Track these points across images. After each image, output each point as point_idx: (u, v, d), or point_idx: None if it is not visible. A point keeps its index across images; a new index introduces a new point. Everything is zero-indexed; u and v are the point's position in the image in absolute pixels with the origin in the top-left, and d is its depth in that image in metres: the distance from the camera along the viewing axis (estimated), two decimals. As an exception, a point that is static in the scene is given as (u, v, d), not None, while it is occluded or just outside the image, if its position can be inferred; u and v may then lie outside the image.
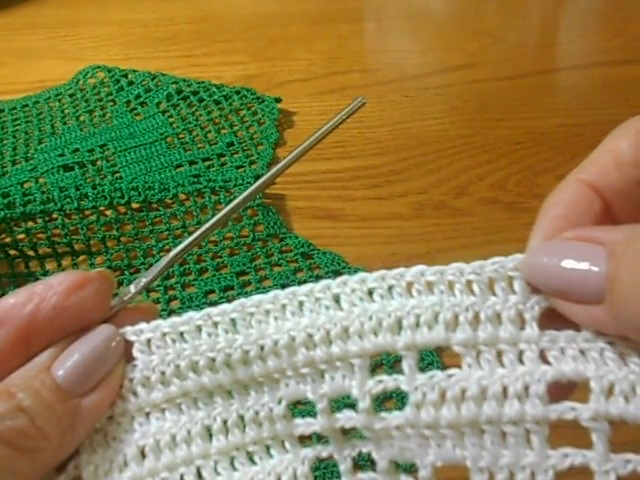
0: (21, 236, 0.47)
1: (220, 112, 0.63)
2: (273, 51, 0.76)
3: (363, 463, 0.29)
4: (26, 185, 0.55)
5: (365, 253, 0.47)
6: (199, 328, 0.21)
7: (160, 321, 0.22)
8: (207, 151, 0.58)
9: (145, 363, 0.21)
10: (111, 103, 0.66)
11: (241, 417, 0.21)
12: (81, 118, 0.65)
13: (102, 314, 0.22)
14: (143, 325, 0.22)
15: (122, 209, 0.49)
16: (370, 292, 0.21)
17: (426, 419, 0.20)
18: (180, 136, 0.60)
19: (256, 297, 0.21)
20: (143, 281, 0.23)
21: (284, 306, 0.21)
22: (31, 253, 0.47)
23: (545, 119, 0.61)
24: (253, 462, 0.21)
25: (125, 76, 0.69)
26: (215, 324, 0.21)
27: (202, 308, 0.21)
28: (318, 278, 0.44)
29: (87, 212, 0.48)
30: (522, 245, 0.21)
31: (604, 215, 0.21)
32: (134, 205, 0.49)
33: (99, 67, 0.70)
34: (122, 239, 0.48)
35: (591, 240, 0.19)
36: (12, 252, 0.47)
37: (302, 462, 0.21)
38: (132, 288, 0.23)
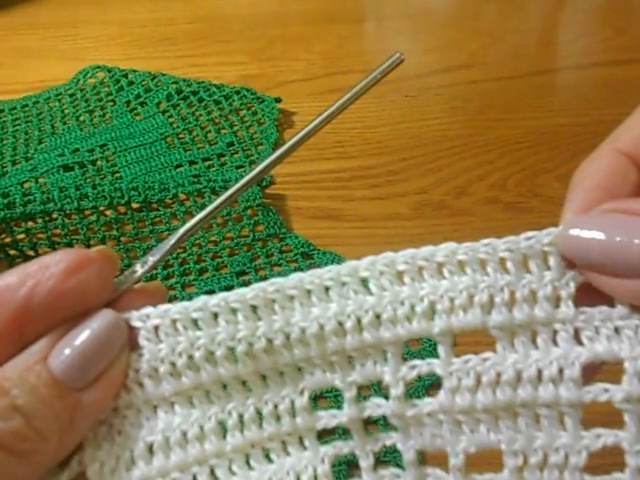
0: (21, 236, 0.47)
1: (220, 112, 0.63)
2: (273, 51, 0.76)
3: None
4: (26, 185, 0.55)
5: (365, 253, 0.46)
6: (215, 315, 0.19)
7: (169, 306, 0.20)
8: (207, 151, 0.58)
9: (152, 353, 0.19)
10: (111, 103, 0.66)
11: (258, 411, 0.20)
12: (81, 118, 0.65)
13: (104, 297, 0.20)
14: (150, 309, 0.20)
15: (122, 209, 0.49)
16: (399, 274, 0.20)
17: (461, 404, 0.19)
18: (180, 136, 0.60)
19: (278, 281, 0.20)
20: (150, 260, 0.21)
21: (309, 292, 0.20)
22: (31, 253, 0.47)
23: (545, 119, 0.61)
24: (270, 460, 0.20)
25: (125, 76, 0.69)
26: (233, 310, 0.19)
27: None
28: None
29: (87, 212, 0.48)
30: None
31: None
32: (134, 205, 0.49)
33: (99, 67, 0.70)
34: (122, 239, 0.48)
35: (631, 212, 0.18)
36: (12, 252, 0.47)
37: (322, 460, 0.20)
38: (138, 268, 0.21)
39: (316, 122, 0.23)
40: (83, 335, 0.19)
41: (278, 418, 0.20)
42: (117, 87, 0.68)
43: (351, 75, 0.70)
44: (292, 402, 0.20)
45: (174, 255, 0.47)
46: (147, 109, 0.64)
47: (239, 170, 0.56)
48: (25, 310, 0.18)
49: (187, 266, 0.47)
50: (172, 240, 0.22)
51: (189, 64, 0.74)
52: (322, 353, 0.20)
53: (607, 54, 0.72)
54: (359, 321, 0.20)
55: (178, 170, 0.56)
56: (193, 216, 0.52)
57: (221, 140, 0.59)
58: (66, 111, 0.66)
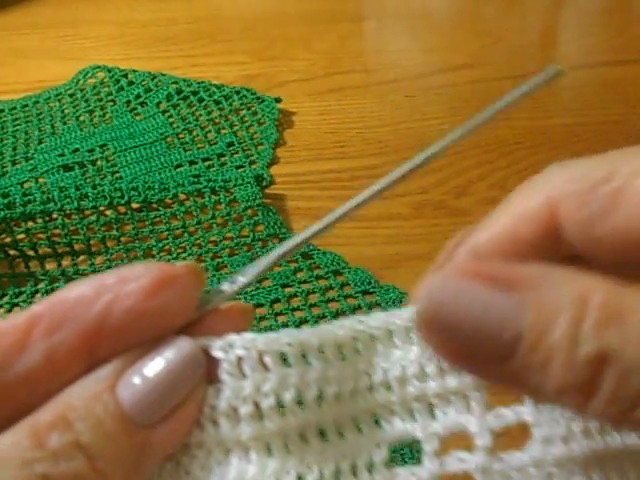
0: (21, 236, 0.47)
1: (220, 112, 0.63)
2: (273, 51, 0.76)
3: None
4: (26, 185, 0.55)
5: (365, 253, 0.47)
6: (303, 352, 0.17)
7: (254, 335, 0.17)
8: (207, 151, 0.58)
9: (234, 390, 0.17)
10: (111, 103, 0.66)
11: (337, 465, 0.18)
12: (81, 118, 0.65)
13: (185, 320, 0.17)
14: (234, 337, 0.17)
15: (122, 209, 0.49)
16: None
17: (556, 454, 0.18)
18: (180, 136, 0.60)
19: (363, 319, 0.18)
20: (240, 281, 0.19)
21: (390, 332, 0.18)
22: (31, 253, 0.47)
23: (545, 119, 0.61)
24: None
25: (125, 76, 0.69)
26: (321, 348, 0.17)
27: None
28: (318, 278, 0.44)
29: (87, 212, 0.48)
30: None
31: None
32: (134, 205, 0.49)
33: (99, 67, 0.70)
34: (122, 239, 0.48)
35: (502, 280, 0.15)
36: (12, 252, 0.47)
37: None
38: (226, 286, 0.19)
39: (456, 135, 0.21)
40: (156, 366, 0.16)
41: (355, 474, 0.18)
42: (117, 87, 0.68)
43: (351, 75, 0.70)
44: (370, 456, 0.18)
45: (174, 255, 0.47)
46: (147, 109, 0.64)
47: (239, 170, 0.56)
48: (99, 328, 0.16)
49: (187, 266, 0.46)
50: (267, 261, 0.19)
51: (189, 64, 0.74)
52: (403, 398, 0.18)
53: (607, 54, 0.72)
54: (441, 365, 0.18)
55: (178, 170, 0.56)
56: (193, 216, 0.52)
57: (221, 140, 0.59)
58: (66, 111, 0.66)
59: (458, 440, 0.18)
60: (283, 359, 0.17)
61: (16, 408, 0.16)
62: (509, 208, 0.19)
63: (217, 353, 0.17)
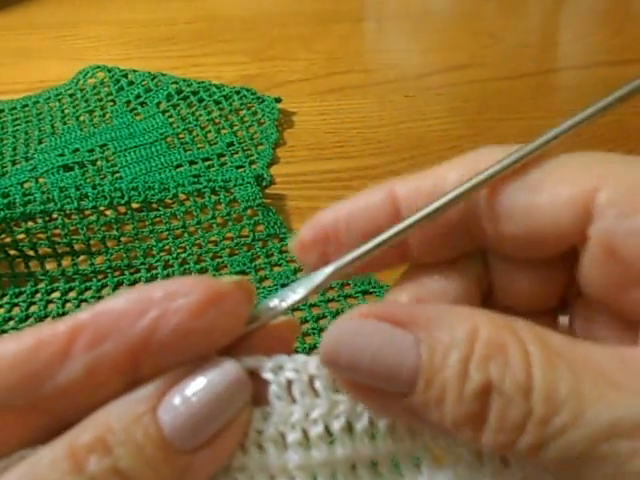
0: (21, 236, 0.47)
1: (220, 112, 0.63)
2: (273, 51, 0.76)
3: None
4: (26, 185, 0.55)
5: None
6: None
7: (305, 357, 0.16)
8: (207, 151, 0.58)
9: (282, 416, 0.16)
10: (111, 103, 0.66)
11: None
12: (81, 118, 0.65)
13: (232, 338, 0.17)
14: (283, 359, 0.16)
15: (122, 209, 0.49)
16: None
17: None
18: (180, 136, 0.60)
19: None
20: (291, 297, 0.18)
21: None
22: (31, 253, 0.47)
23: (545, 119, 0.61)
24: None
25: (125, 76, 0.69)
26: None
27: None
28: (318, 278, 0.44)
29: (87, 212, 0.48)
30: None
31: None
32: (134, 205, 0.49)
33: (99, 67, 0.70)
34: (122, 239, 0.48)
35: (399, 320, 0.16)
36: (12, 252, 0.47)
37: None
38: (275, 302, 0.17)
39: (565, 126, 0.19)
40: (200, 390, 0.15)
41: None
42: (117, 87, 0.68)
43: (351, 75, 0.70)
44: None
45: (174, 255, 0.47)
46: (147, 109, 0.64)
47: (239, 170, 0.56)
48: (143, 345, 0.15)
49: (187, 266, 0.46)
50: (321, 277, 0.18)
51: (189, 64, 0.74)
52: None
53: (607, 54, 0.72)
54: None
55: (178, 170, 0.56)
56: (193, 216, 0.52)
57: (221, 140, 0.59)
58: (66, 111, 0.66)
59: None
60: (335, 385, 0.16)
61: (54, 419, 0.15)
62: (436, 172, 0.21)
63: (266, 375, 0.16)
